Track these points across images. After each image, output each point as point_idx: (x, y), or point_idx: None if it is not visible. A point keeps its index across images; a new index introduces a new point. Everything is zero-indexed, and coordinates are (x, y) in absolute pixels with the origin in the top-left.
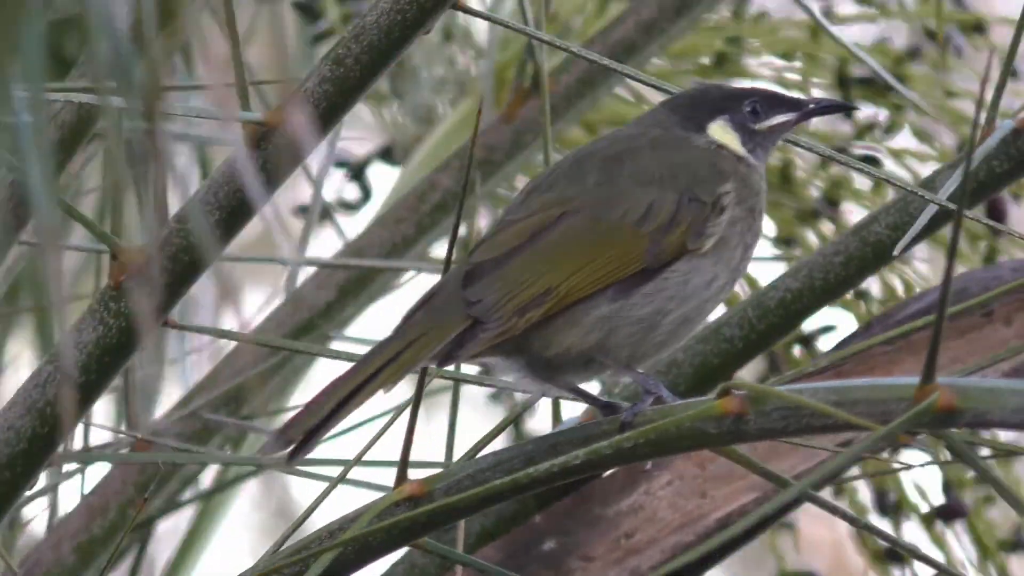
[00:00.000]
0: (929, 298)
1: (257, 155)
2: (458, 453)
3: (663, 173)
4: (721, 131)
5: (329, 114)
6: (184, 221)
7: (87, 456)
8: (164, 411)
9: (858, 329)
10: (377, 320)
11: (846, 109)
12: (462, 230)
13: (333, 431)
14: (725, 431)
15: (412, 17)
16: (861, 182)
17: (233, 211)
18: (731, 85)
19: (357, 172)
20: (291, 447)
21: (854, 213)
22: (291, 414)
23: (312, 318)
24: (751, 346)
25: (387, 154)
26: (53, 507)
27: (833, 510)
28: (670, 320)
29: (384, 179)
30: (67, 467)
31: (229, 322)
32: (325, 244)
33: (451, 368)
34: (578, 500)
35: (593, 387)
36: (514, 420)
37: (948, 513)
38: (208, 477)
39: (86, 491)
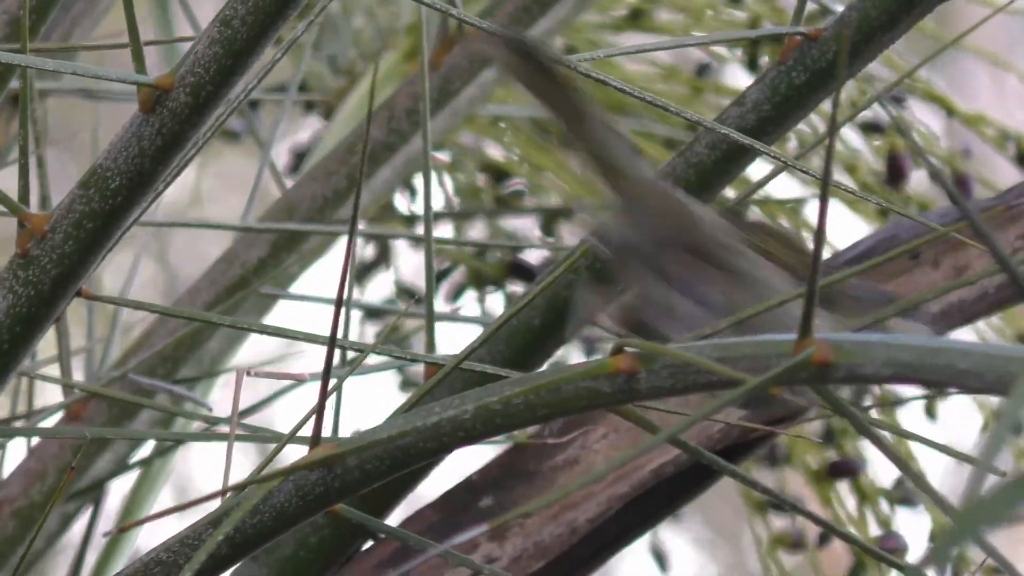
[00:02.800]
0: (863, 246)
1: (152, 119)
2: None
3: None
4: None
5: (220, 77)
6: (87, 186)
7: (8, 431)
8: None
9: None
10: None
11: None
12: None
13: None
14: (618, 390)
15: None
16: None
17: (133, 177)
18: None
19: None
20: None
21: None
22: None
23: (245, 275)
24: None
25: (308, 108)
26: None
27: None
28: None
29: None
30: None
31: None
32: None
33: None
34: (513, 456)
35: None
36: (440, 381)
37: (838, 471)
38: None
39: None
